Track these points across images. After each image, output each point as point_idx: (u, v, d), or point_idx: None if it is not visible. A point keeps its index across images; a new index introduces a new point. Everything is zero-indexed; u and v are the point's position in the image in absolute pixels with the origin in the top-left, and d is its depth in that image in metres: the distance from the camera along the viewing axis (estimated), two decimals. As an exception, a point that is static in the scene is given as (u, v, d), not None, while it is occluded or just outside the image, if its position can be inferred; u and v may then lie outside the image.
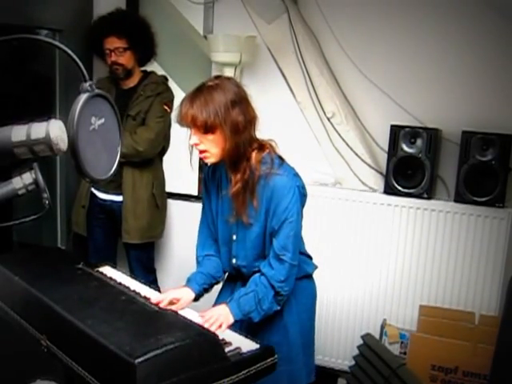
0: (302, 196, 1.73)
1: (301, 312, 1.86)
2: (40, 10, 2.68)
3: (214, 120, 1.58)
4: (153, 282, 2.84)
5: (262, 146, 1.72)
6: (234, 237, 1.79)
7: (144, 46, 2.71)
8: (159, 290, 1.86)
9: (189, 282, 1.81)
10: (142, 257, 2.88)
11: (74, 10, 2.95)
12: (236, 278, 1.88)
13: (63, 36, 2.81)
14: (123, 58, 2.65)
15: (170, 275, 3.15)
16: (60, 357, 1.41)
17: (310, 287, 1.92)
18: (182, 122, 1.65)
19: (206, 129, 1.60)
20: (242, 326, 1.74)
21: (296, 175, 1.73)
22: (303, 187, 1.74)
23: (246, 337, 1.60)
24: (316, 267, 1.93)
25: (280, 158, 1.74)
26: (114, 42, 2.63)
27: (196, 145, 1.65)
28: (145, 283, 1.87)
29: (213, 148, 1.64)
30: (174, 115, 1.87)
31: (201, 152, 1.67)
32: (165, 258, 3.23)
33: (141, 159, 2.66)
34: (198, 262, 1.87)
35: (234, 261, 1.82)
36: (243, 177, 1.67)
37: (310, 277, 1.91)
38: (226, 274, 1.92)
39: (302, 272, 1.84)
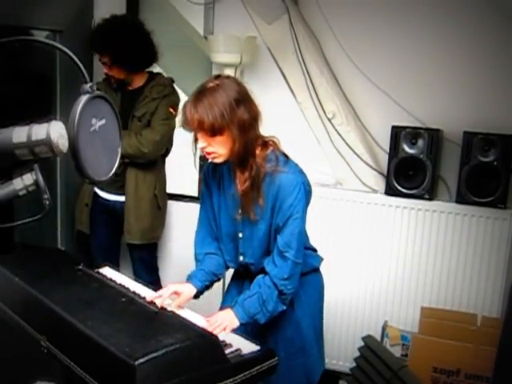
0: (308, 193, 1.73)
1: (311, 304, 1.87)
2: (40, 11, 2.68)
3: (220, 122, 1.57)
4: (156, 281, 2.86)
5: (265, 142, 1.72)
6: (240, 234, 1.78)
7: (131, 59, 2.59)
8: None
9: (190, 278, 1.81)
10: (145, 257, 2.88)
11: (74, 11, 2.94)
12: (243, 276, 1.87)
13: (63, 37, 2.81)
14: (112, 72, 2.63)
15: (171, 276, 3.14)
16: (60, 358, 1.41)
17: (317, 280, 1.93)
18: (187, 127, 1.64)
19: (214, 131, 1.59)
20: (251, 326, 1.74)
21: (301, 172, 1.73)
22: (308, 184, 1.74)
23: (247, 339, 1.60)
24: (322, 259, 1.94)
25: (284, 155, 1.74)
26: (101, 57, 2.62)
27: (204, 148, 1.64)
28: (146, 284, 1.87)
29: (221, 149, 1.63)
30: (178, 119, 1.85)
31: (208, 154, 1.66)
32: (166, 260, 3.22)
33: (145, 160, 2.67)
34: (198, 260, 1.87)
35: (241, 258, 1.82)
36: (251, 174, 1.66)
37: (317, 270, 1.92)
38: (230, 270, 1.91)
39: (309, 267, 1.85)
